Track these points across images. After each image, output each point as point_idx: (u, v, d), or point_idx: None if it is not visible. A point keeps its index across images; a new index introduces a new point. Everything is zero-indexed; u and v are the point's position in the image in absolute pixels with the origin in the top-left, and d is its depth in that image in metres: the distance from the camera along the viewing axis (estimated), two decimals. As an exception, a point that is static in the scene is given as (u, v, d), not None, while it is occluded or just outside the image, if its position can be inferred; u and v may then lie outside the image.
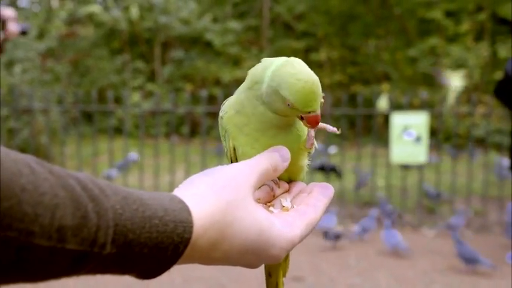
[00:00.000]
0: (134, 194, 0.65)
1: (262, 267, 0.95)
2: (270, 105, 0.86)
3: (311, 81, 0.82)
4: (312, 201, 0.85)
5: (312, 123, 0.85)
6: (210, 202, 0.70)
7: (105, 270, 0.63)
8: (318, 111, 0.84)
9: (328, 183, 0.90)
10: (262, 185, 0.87)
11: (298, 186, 0.92)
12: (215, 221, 0.69)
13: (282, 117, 0.87)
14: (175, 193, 0.72)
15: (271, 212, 0.83)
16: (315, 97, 0.83)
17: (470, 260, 5.11)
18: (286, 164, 0.84)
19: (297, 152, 0.92)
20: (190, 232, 0.67)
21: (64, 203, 0.58)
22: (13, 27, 4.31)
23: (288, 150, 0.85)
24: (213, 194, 0.71)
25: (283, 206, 0.85)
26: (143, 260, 0.64)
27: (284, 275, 1.00)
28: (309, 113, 0.84)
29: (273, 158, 0.82)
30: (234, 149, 0.94)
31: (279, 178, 0.92)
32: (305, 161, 0.95)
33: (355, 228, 6.17)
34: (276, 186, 0.90)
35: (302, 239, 0.79)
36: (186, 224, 0.67)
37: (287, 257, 0.99)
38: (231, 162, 0.95)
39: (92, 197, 0.60)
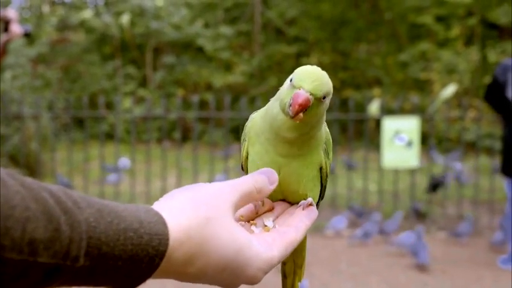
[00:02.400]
0: (109, 206, 0.65)
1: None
2: (280, 96, 0.87)
3: (318, 69, 0.87)
4: (294, 222, 0.84)
5: (295, 98, 0.83)
6: (188, 217, 0.69)
7: (78, 282, 0.63)
8: (307, 93, 0.83)
9: (314, 207, 0.89)
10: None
11: (283, 206, 0.92)
12: (192, 235, 0.68)
13: (288, 122, 0.86)
14: (155, 206, 0.71)
15: (252, 231, 0.82)
16: (311, 77, 0.84)
17: (413, 253, 5.38)
18: (273, 187, 0.82)
19: (301, 178, 0.92)
20: (166, 245, 0.66)
21: (36, 215, 0.57)
22: (16, 29, 4.29)
23: (275, 174, 0.83)
24: (192, 209, 0.70)
25: (265, 226, 0.85)
26: (118, 272, 0.64)
27: (299, 280, 1.01)
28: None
29: (258, 181, 0.81)
30: (247, 157, 0.95)
31: (273, 199, 0.92)
32: (311, 186, 0.94)
33: (356, 232, 6.16)
34: (260, 204, 0.90)
35: (280, 260, 0.78)
36: (162, 236, 0.66)
37: (303, 263, 1.00)
38: (242, 169, 0.98)
39: (65, 209, 0.60)
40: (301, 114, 0.83)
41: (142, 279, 0.67)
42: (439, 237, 6.41)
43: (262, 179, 0.81)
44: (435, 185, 7.07)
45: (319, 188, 0.96)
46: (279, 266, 1.01)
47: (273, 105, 0.89)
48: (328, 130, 0.96)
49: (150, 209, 0.69)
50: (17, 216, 0.56)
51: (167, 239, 0.66)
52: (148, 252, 0.65)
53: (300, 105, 0.82)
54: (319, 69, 0.87)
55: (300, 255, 1.00)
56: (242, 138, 0.97)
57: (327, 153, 0.95)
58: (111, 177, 7.78)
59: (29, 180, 0.60)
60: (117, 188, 7.31)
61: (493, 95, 5.22)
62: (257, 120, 0.94)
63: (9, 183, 0.57)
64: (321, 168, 0.94)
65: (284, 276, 1.01)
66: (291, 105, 0.83)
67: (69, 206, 0.60)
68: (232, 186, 0.77)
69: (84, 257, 0.60)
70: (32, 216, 0.57)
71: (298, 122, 0.84)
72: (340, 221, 6.42)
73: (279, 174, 0.89)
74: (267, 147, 0.91)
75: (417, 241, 5.38)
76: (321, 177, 0.95)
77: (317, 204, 0.97)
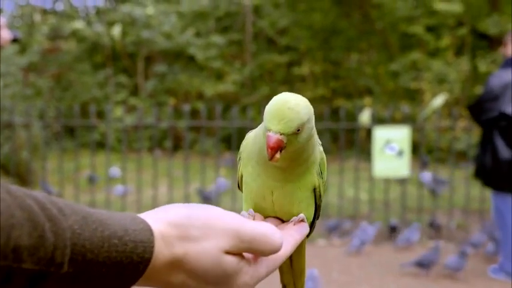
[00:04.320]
0: (95, 213, 0.65)
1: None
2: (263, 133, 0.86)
3: (281, 102, 0.84)
4: (284, 236, 0.82)
5: (267, 142, 0.83)
6: (176, 230, 0.69)
7: None
8: (277, 135, 0.82)
9: (305, 223, 0.89)
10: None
11: (274, 222, 0.92)
12: (176, 247, 0.69)
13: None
14: (144, 214, 0.71)
15: None
16: (278, 117, 0.82)
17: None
18: (279, 263, 0.79)
19: (294, 199, 0.91)
20: (151, 252, 0.66)
21: (20, 223, 0.57)
22: (6, 35, 4.26)
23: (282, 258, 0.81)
24: (181, 225, 0.70)
25: None
26: (102, 279, 0.64)
27: None
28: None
29: (274, 240, 0.75)
30: (242, 176, 0.95)
31: (266, 215, 0.92)
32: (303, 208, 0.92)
33: (353, 241, 6.15)
34: (252, 219, 0.90)
35: (267, 274, 0.77)
36: (147, 244, 0.66)
37: (302, 273, 1.00)
38: (238, 187, 0.98)
39: (50, 216, 0.60)
40: (277, 156, 0.82)
41: (127, 286, 0.67)
42: (430, 246, 6.41)
43: (277, 245, 0.76)
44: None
45: (314, 208, 0.95)
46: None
47: (262, 134, 0.87)
48: (322, 150, 0.95)
49: (136, 217, 0.69)
50: (2, 223, 0.56)
51: (152, 247, 0.67)
52: (133, 259, 0.65)
53: (272, 148, 0.82)
54: (287, 101, 0.84)
55: (300, 278, 1.00)
56: (238, 156, 0.96)
57: (320, 173, 0.93)
58: (118, 189, 7.74)
59: (14, 187, 0.60)
60: (108, 197, 7.28)
61: (483, 106, 5.21)
62: (249, 142, 0.93)
63: None
64: (314, 189, 0.93)
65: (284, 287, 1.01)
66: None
67: (54, 213, 0.61)
68: (238, 229, 0.72)
69: (68, 264, 0.61)
70: (17, 223, 0.57)
71: (275, 162, 0.83)
72: (371, 230, 6.43)
73: (271, 195, 0.89)
74: (258, 171, 0.90)
75: (433, 253, 5.40)
76: (315, 196, 0.94)
77: (313, 224, 0.97)
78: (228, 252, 0.71)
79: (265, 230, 0.74)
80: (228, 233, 0.71)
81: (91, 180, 7.85)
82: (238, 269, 0.73)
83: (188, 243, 0.69)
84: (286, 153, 0.85)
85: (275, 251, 0.75)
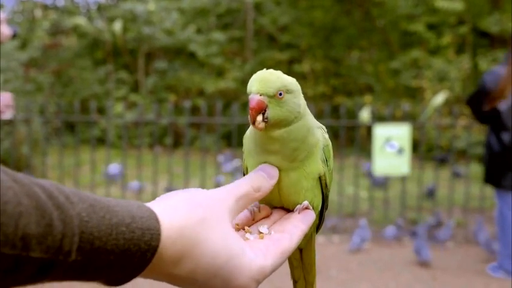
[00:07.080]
0: (101, 201, 0.65)
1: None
2: None
3: (263, 72, 0.85)
4: (289, 228, 0.83)
5: (249, 104, 0.83)
6: (182, 215, 0.70)
7: (71, 277, 0.63)
8: (257, 95, 0.82)
9: (310, 211, 0.88)
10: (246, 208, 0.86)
11: (280, 212, 0.91)
12: (184, 234, 0.68)
13: (263, 134, 0.86)
14: (149, 203, 0.71)
15: (247, 238, 0.81)
16: (258, 80, 0.83)
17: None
18: (273, 181, 0.83)
19: (300, 188, 0.90)
20: (158, 240, 0.66)
21: (28, 211, 0.57)
22: (6, 30, 4.24)
23: (275, 169, 0.84)
24: (187, 209, 0.71)
25: (260, 232, 0.84)
26: (110, 267, 0.64)
27: (312, 285, 1.00)
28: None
29: (254, 179, 0.81)
30: (247, 169, 0.94)
31: (272, 205, 0.91)
32: (309, 192, 0.91)
33: (353, 238, 6.16)
34: (256, 210, 0.89)
35: (274, 269, 0.77)
36: (154, 231, 0.66)
37: (314, 281, 1.00)
38: None
39: (57, 204, 0.60)
40: (259, 119, 0.82)
41: (135, 274, 0.67)
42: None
43: (259, 176, 0.82)
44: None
45: (321, 198, 0.94)
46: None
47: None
48: (327, 137, 0.93)
49: (142, 205, 0.69)
50: (9, 211, 0.56)
51: (159, 234, 0.67)
52: (140, 247, 0.65)
53: (252, 109, 0.82)
54: (270, 70, 0.86)
55: (311, 272, 1.00)
56: (243, 148, 0.96)
57: (325, 161, 0.92)
58: (133, 184, 7.75)
59: (20, 175, 0.60)
60: (108, 193, 7.29)
61: (478, 101, 5.24)
62: (248, 135, 0.93)
63: (1, 179, 0.57)
64: (320, 178, 0.92)
65: (295, 281, 1.01)
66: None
67: (62, 201, 0.61)
68: (228, 190, 0.78)
69: (76, 252, 0.61)
70: (25, 212, 0.57)
71: (260, 129, 0.83)
72: (391, 231, 6.46)
73: (277, 186, 0.88)
74: (259, 162, 0.90)
75: (419, 240, 5.47)
76: (322, 185, 0.93)
77: (321, 214, 0.96)
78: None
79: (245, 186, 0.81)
80: (225, 212, 0.75)
81: (111, 177, 7.91)
82: (243, 248, 0.74)
83: (194, 229, 0.70)
84: (271, 125, 0.83)
85: (261, 191, 0.82)
